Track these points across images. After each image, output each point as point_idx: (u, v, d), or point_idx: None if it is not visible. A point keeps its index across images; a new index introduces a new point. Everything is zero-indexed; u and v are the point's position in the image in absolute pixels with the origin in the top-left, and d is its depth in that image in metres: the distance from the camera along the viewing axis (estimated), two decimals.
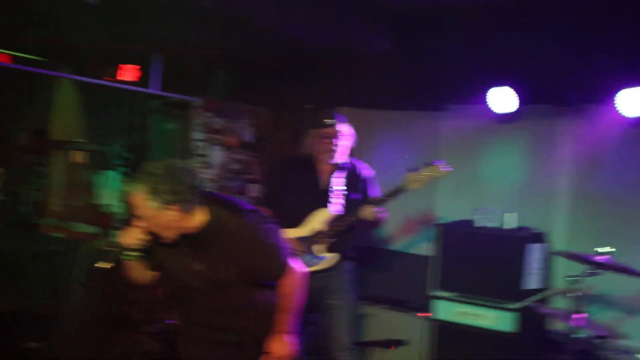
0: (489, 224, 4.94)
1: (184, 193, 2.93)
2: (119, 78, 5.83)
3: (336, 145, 4.55)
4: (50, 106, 7.16)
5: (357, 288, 4.72)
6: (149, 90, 5.73)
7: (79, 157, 6.84)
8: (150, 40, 5.28)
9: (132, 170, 6.42)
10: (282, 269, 3.23)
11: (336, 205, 4.56)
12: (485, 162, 5.38)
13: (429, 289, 5.08)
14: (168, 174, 2.93)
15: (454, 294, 4.97)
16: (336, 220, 4.50)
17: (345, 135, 4.59)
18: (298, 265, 3.34)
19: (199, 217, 3.04)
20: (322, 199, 4.57)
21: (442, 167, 4.31)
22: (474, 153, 5.42)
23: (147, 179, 2.91)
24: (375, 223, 4.55)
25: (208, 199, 3.07)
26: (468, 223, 5.06)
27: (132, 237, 3.00)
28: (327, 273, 4.57)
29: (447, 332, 4.96)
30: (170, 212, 2.93)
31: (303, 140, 4.73)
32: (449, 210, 5.42)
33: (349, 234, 4.60)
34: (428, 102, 5.55)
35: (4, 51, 5.40)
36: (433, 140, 5.55)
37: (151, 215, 2.93)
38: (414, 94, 5.42)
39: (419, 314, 5.16)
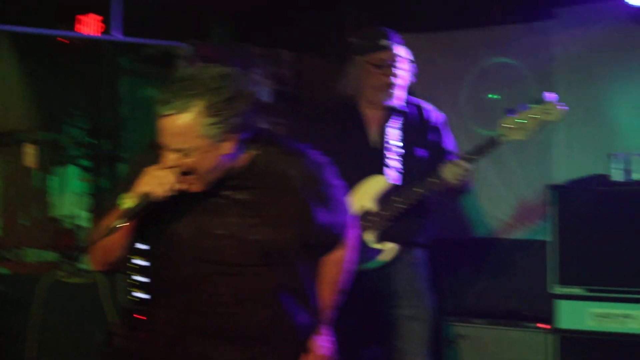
0: (634, 176, 4.94)
1: (249, 113, 2.92)
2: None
3: (394, 77, 4.60)
4: None
5: (433, 290, 4.77)
6: (118, 38, 5.88)
7: (24, 153, 7.02)
8: None
9: (100, 164, 6.56)
10: (339, 238, 3.32)
11: (395, 169, 4.60)
12: (621, 85, 5.41)
13: (549, 287, 5.12)
14: (227, 82, 2.87)
15: (586, 289, 5.00)
16: (397, 191, 4.53)
17: (404, 63, 4.64)
18: (353, 231, 3.41)
19: (244, 153, 3.04)
20: (373, 161, 4.61)
21: (558, 105, 4.32)
22: (602, 74, 5.47)
23: (198, 89, 2.82)
24: (459, 191, 4.60)
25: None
26: (600, 178, 5.09)
27: (158, 180, 2.90)
28: (386, 271, 4.61)
29: (581, 347, 4.99)
30: (226, 143, 2.92)
31: (343, 76, 4.80)
32: (571, 164, 5.50)
33: (417, 213, 4.63)
34: (528, 9, 5.65)
35: None
36: (540, 63, 5.63)
37: (201, 147, 2.88)
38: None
39: (538, 325, 5.23)
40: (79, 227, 6.43)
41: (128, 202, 2.88)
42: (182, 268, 3.09)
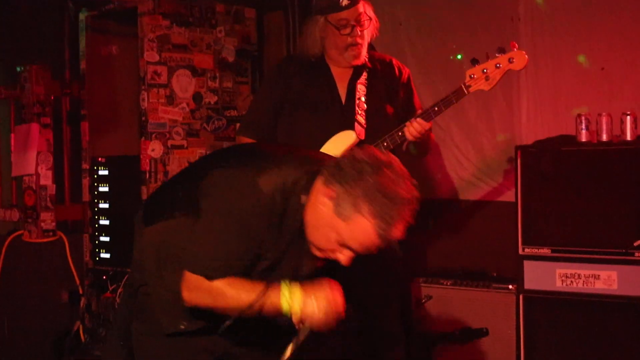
0: (602, 136, 4.89)
1: None
2: None
3: (361, 35, 4.53)
4: None
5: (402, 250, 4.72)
6: None
7: None
8: None
9: (62, 121, 6.47)
10: None
11: (364, 125, 4.54)
12: (587, 45, 5.37)
13: (516, 247, 5.09)
14: None
15: (553, 249, 4.98)
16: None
17: (367, 20, 4.56)
18: None
19: None
20: (342, 118, 4.56)
21: (521, 54, 4.35)
22: (569, 33, 5.43)
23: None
24: (425, 146, 4.58)
25: None
26: (567, 138, 5.05)
27: (335, 310, 3.03)
28: None
29: (548, 307, 4.98)
30: None
31: (306, 35, 4.73)
32: (538, 124, 5.48)
33: None
34: None
35: None
36: (506, 22, 5.61)
37: None
38: None
39: (505, 285, 5.22)
40: (41, 186, 6.33)
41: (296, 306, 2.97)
42: None
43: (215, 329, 3.13)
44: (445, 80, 5.65)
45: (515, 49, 4.33)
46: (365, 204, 2.89)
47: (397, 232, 2.90)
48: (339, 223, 2.96)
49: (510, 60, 4.33)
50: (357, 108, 4.55)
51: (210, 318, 3.15)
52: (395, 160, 2.99)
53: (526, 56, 4.35)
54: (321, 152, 3.33)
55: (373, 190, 2.88)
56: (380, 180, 2.89)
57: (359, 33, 4.51)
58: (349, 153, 3.01)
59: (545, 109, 5.52)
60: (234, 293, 3.02)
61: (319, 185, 2.99)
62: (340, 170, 2.95)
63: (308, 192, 3.02)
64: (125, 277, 5.65)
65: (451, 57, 5.84)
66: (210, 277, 3.03)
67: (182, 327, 3.20)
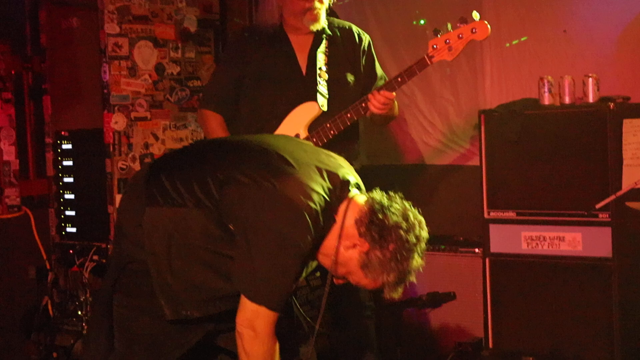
0: (565, 99, 4.89)
1: None
2: None
3: (315, 0, 4.49)
4: None
5: None
6: None
7: None
8: None
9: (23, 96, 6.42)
10: None
11: (326, 95, 4.53)
12: (550, 9, 5.37)
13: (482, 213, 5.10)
14: None
15: (517, 212, 4.99)
16: (327, 117, 4.46)
17: None
18: None
19: None
20: (306, 89, 4.55)
21: (484, 24, 4.30)
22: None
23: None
24: (389, 115, 4.56)
25: None
26: (530, 102, 5.04)
27: None
28: None
29: (514, 270, 4.99)
30: None
31: (266, 5, 4.70)
32: (502, 89, 5.50)
33: (348, 138, 4.58)
34: None
35: None
36: None
37: None
38: None
39: (471, 249, 5.25)
40: (4, 161, 6.28)
41: None
42: None
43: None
44: (409, 48, 5.68)
45: (478, 19, 4.28)
46: (393, 273, 3.08)
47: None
48: (359, 273, 3.12)
49: (472, 31, 4.29)
50: (318, 78, 4.52)
51: (216, 309, 3.19)
52: (420, 220, 3.28)
53: (489, 27, 4.30)
54: (329, 155, 3.44)
55: (404, 262, 3.11)
56: (411, 251, 3.16)
57: None
58: (385, 200, 3.16)
59: (508, 74, 5.52)
60: None
61: (348, 222, 3.11)
62: (375, 224, 3.08)
63: (336, 211, 3.12)
64: (94, 249, 5.71)
65: (414, 22, 5.83)
66: (273, 309, 3.06)
67: (185, 314, 3.19)
